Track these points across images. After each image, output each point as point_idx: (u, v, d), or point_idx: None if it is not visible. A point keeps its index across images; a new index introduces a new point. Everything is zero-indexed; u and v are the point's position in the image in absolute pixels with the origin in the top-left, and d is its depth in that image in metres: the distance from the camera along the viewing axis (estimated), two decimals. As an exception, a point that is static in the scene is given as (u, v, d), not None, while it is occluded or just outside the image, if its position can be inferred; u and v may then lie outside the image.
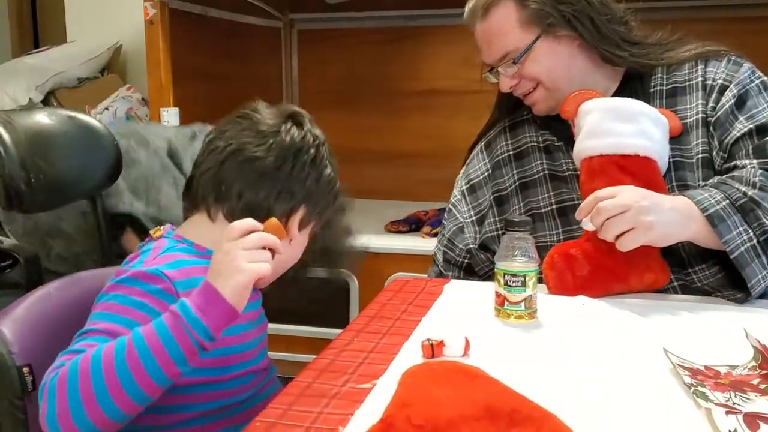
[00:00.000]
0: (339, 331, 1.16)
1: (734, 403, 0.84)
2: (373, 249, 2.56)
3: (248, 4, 3.07)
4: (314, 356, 1.05)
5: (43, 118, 1.12)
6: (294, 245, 1.15)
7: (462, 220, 1.58)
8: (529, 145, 1.55)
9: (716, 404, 0.84)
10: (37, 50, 3.31)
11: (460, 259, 1.57)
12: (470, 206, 1.57)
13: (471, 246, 1.55)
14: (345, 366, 1.00)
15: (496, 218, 1.53)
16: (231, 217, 1.08)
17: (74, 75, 3.01)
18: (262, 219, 1.01)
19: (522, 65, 1.44)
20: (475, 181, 1.58)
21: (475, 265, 1.55)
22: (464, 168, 1.64)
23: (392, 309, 1.25)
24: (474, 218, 1.56)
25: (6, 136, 1.04)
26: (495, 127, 1.63)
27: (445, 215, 1.63)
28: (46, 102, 2.95)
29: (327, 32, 3.41)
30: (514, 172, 1.55)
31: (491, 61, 1.48)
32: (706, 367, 0.95)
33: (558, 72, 1.45)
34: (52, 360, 1.01)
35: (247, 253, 0.93)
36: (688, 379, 0.91)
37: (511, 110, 1.61)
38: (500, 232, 1.51)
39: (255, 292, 1.15)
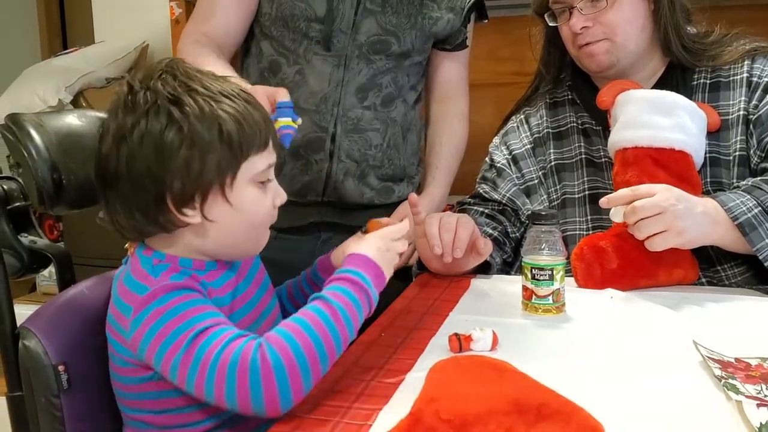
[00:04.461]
0: (366, 326, 1.17)
1: (765, 396, 0.84)
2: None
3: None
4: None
5: (73, 119, 1.14)
6: (236, 212, 0.97)
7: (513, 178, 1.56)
8: (570, 126, 1.54)
9: (747, 397, 0.83)
10: (65, 51, 3.34)
11: (499, 197, 1.55)
12: (514, 175, 1.56)
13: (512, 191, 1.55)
14: (373, 361, 1.01)
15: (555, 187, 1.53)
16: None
17: (102, 75, 3.04)
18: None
19: (607, 7, 1.40)
20: (517, 152, 1.57)
21: (513, 211, 1.54)
22: (500, 136, 1.62)
23: (419, 304, 1.25)
24: (520, 187, 1.55)
25: (38, 138, 1.06)
26: (535, 102, 1.61)
27: (490, 170, 1.61)
28: (75, 102, 2.99)
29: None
30: (551, 150, 1.54)
31: None
32: (737, 360, 0.95)
33: (632, 28, 1.42)
34: (86, 358, 1.03)
35: (395, 255, 1.04)
36: (718, 372, 0.90)
37: (557, 71, 1.60)
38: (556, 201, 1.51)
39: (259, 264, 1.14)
